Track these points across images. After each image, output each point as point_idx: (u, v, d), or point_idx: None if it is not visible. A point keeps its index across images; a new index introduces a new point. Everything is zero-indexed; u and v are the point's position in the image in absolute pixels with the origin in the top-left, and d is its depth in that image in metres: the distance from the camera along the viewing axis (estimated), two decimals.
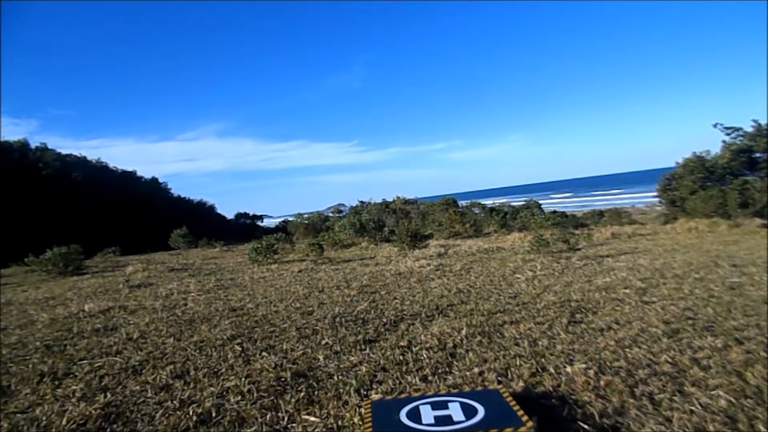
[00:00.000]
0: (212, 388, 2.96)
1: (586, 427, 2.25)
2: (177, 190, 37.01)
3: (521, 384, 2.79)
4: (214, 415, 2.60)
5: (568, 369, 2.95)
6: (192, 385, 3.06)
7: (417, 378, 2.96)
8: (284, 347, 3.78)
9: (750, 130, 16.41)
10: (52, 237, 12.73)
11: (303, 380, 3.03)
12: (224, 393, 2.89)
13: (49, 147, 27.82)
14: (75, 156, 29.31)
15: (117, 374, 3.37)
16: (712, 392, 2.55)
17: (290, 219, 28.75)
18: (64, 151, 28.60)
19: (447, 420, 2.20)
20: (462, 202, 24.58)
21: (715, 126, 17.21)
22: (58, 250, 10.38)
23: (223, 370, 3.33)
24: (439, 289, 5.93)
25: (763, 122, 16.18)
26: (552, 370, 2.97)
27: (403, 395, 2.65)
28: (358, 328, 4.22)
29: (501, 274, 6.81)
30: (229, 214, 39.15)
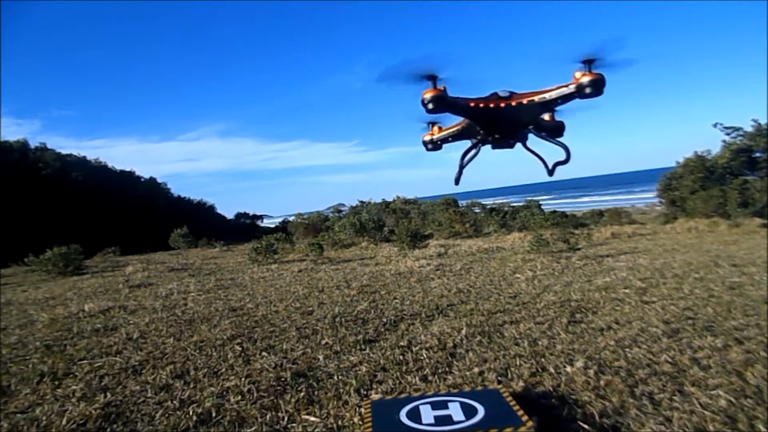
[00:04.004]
0: (212, 388, 2.96)
1: (586, 427, 2.25)
2: (177, 190, 36.99)
3: (521, 384, 2.79)
4: (214, 415, 2.60)
5: (568, 369, 2.95)
6: (192, 385, 3.06)
7: (417, 378, 2.96)
8: (284, 347, 3.78)
9: (750, 129, 16.41)
10: (52, 237, 12.72)
11: (303, 380, 3.03)
12: (224, 393, 2.89)
13: (51, 147, 27.84)
14: (75, 156, 29.32)
15: (117, 374, 3.37)
16: (712, 392, 2.55)
17: (290, 219, 28.74)
18: (64, 151, 28.62)
19: (447, 420, 2.19)
20: (462, 202, 24.55)
21: (715, 126, 17.23)
22: (58, 250, 10.37)
23: (223, 370, 3.33)
24: (439, 289, 5.93)
25: (763, 122, 16.20)
26: (552, 370, 2.97)
27: (403, 395, 2.65)
28: (358, 328, 4.21)
29: (501, 274, 6.81)
30: (229, 214, 39.15)
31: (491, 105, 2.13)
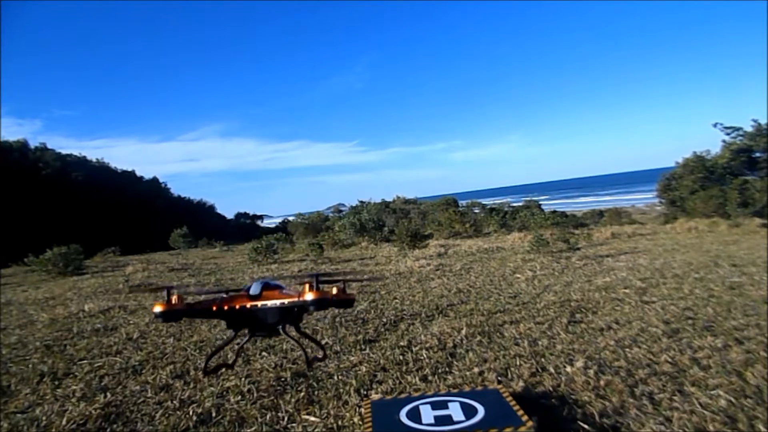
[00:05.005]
0: (212, 388, 2.96)
1: (586, 427, 2.25)
2: (178, 190, 37.10)
3: (521, 384, 2.79)
4: (214, 415, 2.60)
5: (568, 369, 2.95)
6: (192, 385, 3.06)
7: (417, 378, 2.96)
8: (284, 347, 3.78)
9: (750, 129, 16.43)
10: (52, 237, 12.73)
11: (303, 380, 3.03)
12: (224, 393, 2.89)
13: (51, 147, 27.89)
14: (75, 156, 29.35)
15: (117, 374, 3.37)
16: (712, 392, 2.55)
17: (290, 219, 28.76)
18: (65, 151, 28.64)
19: (447, 420, 2.19)
20: (462, 202, 24.57)
21: (715, 126, 17.25)
22: (58, 250, 10.38)
23: (223, 370, 3.32)
24: (439, 289, 5.93)
25: (763, 122, 16.21)
26: (552, 370, 2.97)
27: (403, 395, 2.65)
28: (358, 328, 4.21)
29: (501, 273, 6.81)
30: (229, 214, 39.20)
31: (237, 306, 1.98)
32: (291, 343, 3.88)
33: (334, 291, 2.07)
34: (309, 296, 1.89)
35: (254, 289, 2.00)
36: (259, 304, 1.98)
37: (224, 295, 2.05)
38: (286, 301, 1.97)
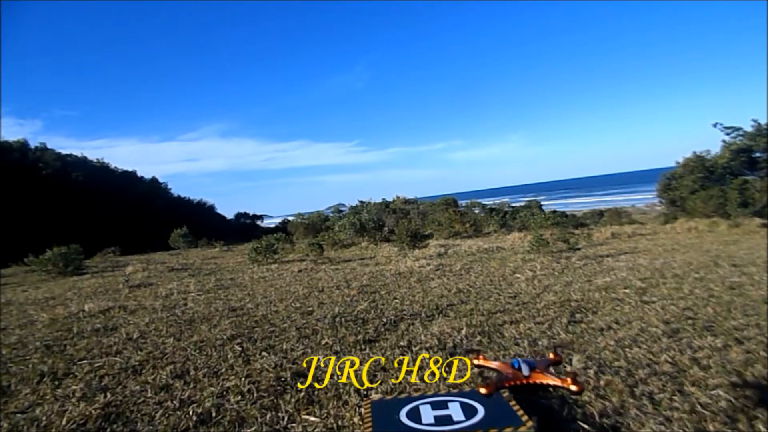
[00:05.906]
0: (212, 388, 2.96)
1: (586, 427, 2.25)
2: (178, 190, 37.10)
3: None
4: (214, 415, 2.60)
5: (568, 369, 2.95)
6: (192, 385, 3.06)
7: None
8: (284, 347, 3.78)
9: (750, 129, 16.43)
10: (52, 237, 12.73)
11: (303, 380, 3.03)
12: (224, 393, 2.89)
13: (52, 147, 27.88)
14: (75, 156, 29.34)
15: (117, 374, 3.37)
16: (712, 392, 2.55)
17: (290, 219, 28.76)
18: (65, 151, 28.64)
19: (447, 420, 2.19)
20: (462, 202, 24.56)
21: (715, 126, 17.25)
22: (58, 250, 10.38)
23: (223, 370, 3.33)
24: (439, 288, 5.93)
25: (763, 122, 16.21)
26: (552, 370, 2.96)
27: (403, 395, 2.65)
28: (358, 328, 4.22)
29: (501, 273, 6.81)
30: (229, 214, 39.21)
31: (516, 383, 2.22)
32: (291, 342, 3.89)
33: (551, 355, 2.33)
34: (573, 387, 2.07)
35: (526, 366, 2.27)
36: (532, 381, 2.24)
37: (509, 375, 2.29)
38: (550, 383, 2.20)
